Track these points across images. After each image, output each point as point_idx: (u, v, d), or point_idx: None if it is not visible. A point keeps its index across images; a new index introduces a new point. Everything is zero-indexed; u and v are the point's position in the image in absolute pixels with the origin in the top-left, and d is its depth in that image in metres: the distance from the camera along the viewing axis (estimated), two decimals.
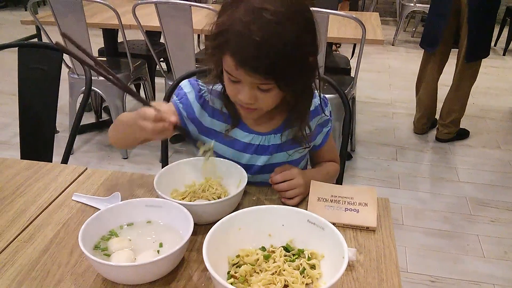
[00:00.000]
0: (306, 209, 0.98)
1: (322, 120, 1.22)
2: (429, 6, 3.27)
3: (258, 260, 0.86)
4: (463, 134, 3.42)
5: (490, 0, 2.92)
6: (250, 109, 1.05)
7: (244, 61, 0.92)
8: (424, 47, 3.25)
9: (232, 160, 1.14)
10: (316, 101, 1.19)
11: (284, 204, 1.09)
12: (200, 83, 1.18)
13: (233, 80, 1.00)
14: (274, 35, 0.90)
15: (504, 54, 5.50)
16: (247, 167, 1.17)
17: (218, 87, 1.15)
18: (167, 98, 1.52)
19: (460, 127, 3.36)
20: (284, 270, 0.84)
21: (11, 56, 1.72)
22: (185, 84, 1.18)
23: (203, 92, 1.17)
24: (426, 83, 3.31)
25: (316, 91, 1.12)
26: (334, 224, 0.87)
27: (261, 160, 1.18)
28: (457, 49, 3.12)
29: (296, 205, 1.08)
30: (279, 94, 1.02)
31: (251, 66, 0.92)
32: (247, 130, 1.17)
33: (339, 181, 1.42)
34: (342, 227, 1.01)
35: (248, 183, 1.05)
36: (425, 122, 3.42)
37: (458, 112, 3.27)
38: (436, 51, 3.16)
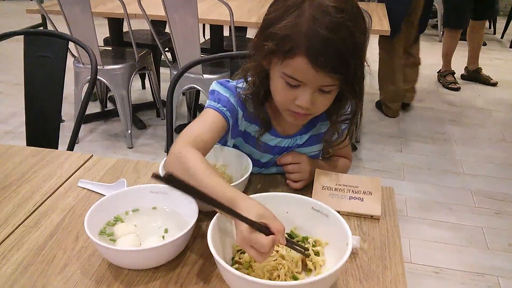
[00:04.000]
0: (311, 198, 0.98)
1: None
2: None
3: None
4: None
5: None
6: (305, 114, 0.99)
7: (321, 61, 0.87)
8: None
9: (254, 158, 1.14)
10: None
11: (289, 185, 1.11)
12: (236, 85, 1.08)
13: (292, 85, 0.93)
14: (347, 32, 0.87)
15: (510, 47, 5.44)
16: (264, 164, 1.18)
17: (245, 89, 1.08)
18: (172, 88, 1.52)
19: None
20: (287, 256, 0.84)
21: (17, 46, 1.73)
22: (219, 88, 1.08)
23: (241, 94, 1.07)
24: (398, 70, 3.40)
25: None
26: (338, 212, 0.87)
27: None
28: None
29: (300, 191, 1.09)
30: (334, 96, 0.98)
31: (329, 65, 0.87)
32: (275, 134, 1.13)
33: None
34: (346, 215, 1.02)
35: (255, 173, 1.05)
36: (399, 105, 3.59)
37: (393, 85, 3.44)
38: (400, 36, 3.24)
